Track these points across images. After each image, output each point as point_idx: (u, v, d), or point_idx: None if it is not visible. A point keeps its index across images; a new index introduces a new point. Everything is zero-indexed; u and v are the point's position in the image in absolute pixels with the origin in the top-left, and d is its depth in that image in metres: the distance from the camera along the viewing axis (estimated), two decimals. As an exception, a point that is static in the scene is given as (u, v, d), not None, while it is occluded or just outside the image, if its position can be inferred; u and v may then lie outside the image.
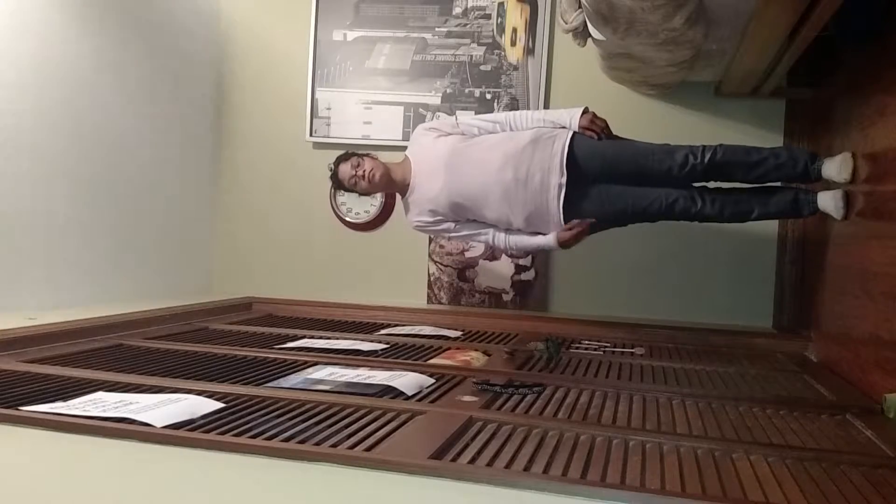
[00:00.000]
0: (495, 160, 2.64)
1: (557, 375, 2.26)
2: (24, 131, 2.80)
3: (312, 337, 2.74)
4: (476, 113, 3.56)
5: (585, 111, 2.68)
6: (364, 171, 2.76)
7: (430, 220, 2.82)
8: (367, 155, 2.85)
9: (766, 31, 2.28)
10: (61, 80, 2.95)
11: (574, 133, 2.65)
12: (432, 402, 1.84)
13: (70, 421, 1.51)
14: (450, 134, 2.81)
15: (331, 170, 2.90)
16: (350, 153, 2.88)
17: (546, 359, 2.52)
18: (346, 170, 2.81)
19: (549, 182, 2.60)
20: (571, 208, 2.63)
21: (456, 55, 3.68)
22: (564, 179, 2.60)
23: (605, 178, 2.64)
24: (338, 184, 2.89)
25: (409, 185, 2.81)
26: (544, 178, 2.60)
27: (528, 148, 2.63)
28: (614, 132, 2.71)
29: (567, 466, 1.39)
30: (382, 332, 2.99)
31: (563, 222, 2.64)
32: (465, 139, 2.78)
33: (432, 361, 2.38)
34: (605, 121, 2.67)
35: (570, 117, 2.67)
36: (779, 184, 2.67)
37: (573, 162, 2.61)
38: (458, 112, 3.61)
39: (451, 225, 2.83)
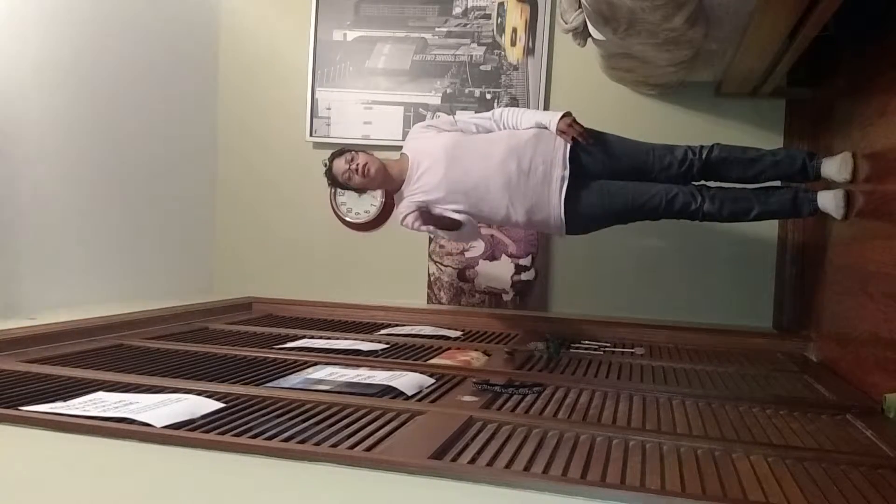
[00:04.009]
0: (498, 152, 2.65)
1: (557, 375, 2.26)
2: (24, 131, 2.80)
3: (312, 337, 2.74)
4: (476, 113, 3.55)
5: (566, 115, 2.66)
6: (358, 166, 2.74)
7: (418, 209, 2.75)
8: (361, 151, 2.84)
9: (766, 31, 2.28)
10: (62, 83, 2.95)
11: None
12: (432, 402, 1.84)
13: (70, 421, 1.51)
14: (449, 131, 2.82)
15: (325, 166, 2.89)
16: (344, 149, 2.87)
17: (546, 359, 2.52)
18: (340, 165, 2.79)
19: (552, 174, 2.61)
20: (572, 202, 2.63)
21: (456, 55, 3.68)
22: (567, 172, 2.61)
23: (606, 174, 2.66)
24: (332, 180, 2.86)
25: (405, 180, 2.80)
26: (547, 170, 2.61)
27: (532, 140, 2.64)
28: (616, 132, 2.72)
29: (567, 466, 1.39)
30: (382, 332, 2.99)
31: (563, 216, 2.64)
32: (466, 135, 2.79)
33: (432, 361, 2.38)
34: (582, 127, 2.64)
35: (550, 120, 2.67)
36: (778, 183, 2.68)
37: (575, 156, 2.62)
38: (457, 112, 3.61)
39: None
